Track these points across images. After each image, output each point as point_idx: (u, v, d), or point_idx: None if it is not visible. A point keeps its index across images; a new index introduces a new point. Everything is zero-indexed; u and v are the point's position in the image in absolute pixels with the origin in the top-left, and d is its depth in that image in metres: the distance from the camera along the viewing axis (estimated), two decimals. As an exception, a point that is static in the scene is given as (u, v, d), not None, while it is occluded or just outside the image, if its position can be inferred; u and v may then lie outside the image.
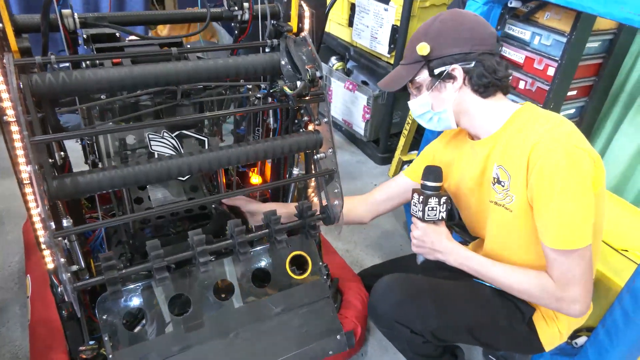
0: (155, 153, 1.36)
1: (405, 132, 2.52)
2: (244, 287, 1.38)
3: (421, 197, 1.22)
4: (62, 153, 1.30)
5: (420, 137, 3.15)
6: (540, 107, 1.19)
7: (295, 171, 1.54)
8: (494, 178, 1.17)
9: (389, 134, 2.84)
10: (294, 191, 1.63)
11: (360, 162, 2.91)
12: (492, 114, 1.19)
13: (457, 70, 1.14)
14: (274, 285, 1.43)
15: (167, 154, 1.37)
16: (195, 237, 1.19)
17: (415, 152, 2.71)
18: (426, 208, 1.21)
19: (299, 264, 1.53)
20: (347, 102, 2.98)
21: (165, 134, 1.35)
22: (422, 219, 1.23)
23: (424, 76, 1.19)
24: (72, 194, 1.05)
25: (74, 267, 1.23)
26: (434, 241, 1.24)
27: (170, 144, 1.37)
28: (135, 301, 1.25)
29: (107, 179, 1.08)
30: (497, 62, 1.14)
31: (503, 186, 1.14)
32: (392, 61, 2.61)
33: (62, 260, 1.02)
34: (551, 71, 1.69)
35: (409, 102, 1.28)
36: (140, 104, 1.37)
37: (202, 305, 1.31)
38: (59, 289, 1.12)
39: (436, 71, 1.16)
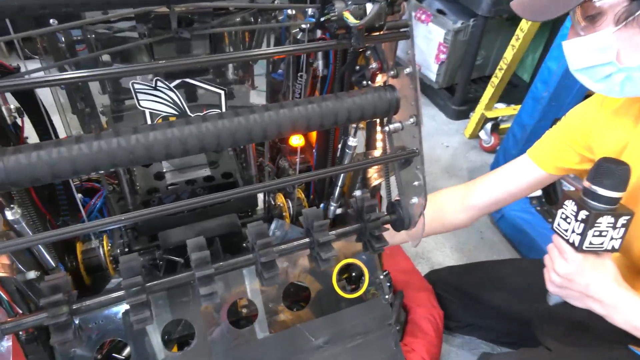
0: (146, 112, 0.91)
1: (495, 79, 1.93)
2: (272, 310, 0.98)
3: (583, 211, 0.71)
4: (11, 106, 0.90)
5: (512, 88, 2.49)
6: None
7: (352, 142, 1.06)
8: None
9: (469, 80, 2.25)
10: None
11: (428, 116, 2.37)
12: None
13: None
14: (314, 307, 1.02)
15: (163, 114, 0.92)
16: (194, 256, 0.76)
17: (503, 105, 2.12)
18: (590, 232, 0.72)
19: (350, 275, 1.09)
20: (417, 38, 2.37)
21: (159, 84, 0.89)
22: (578, 247, 0.74)
23: None
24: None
25: (31, 274, 0.87)
26: (590, 284, 0.75)
27: (169, 99, 0.92)
28: (112, 331, 0.87)
29: (54, 163, 0.65)
30: None
31: None
32: (484, -17, 1.96)
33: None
34: None
35: (565, 43, 0.75)
36: (118, 36, 0.91)
37: (211, 335, 0.92)
38: None
39: None
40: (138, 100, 0.89)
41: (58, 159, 0.66)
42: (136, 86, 0.87)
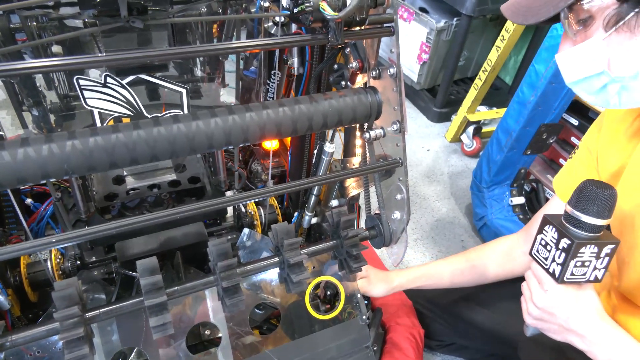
0: (94, 112, 0.80)
1: (478, 81, 1.86)
2: (237, 334, 0.88)
3: (565, 239, 0.65)
4: None
5: (494, 90, 2.42)
6: None
7: (329, 148, 0.97)
8: None
9: (452, 81, 2.18)
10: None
11: (408, 118, 2.29)
12: None
13: None
14: (285, 330, 0.92)
15: (115, 115, 0.82)
16: (144, 281, 0.66)
17: (485, 108, 2.06)
18: (572, 262, 0.65)
19: (324, 294, 1.01)
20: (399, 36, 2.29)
21: (109, 80, 0.78)
22: (559, 278, 0.67)
23: None
24: None
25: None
26: (571, 317, 0.69)
27: (122, 98, 0.81)
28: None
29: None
30: None
31: None
32: (468, -19, 1.90)
33: None
34: None
35: (558, 57, 0.69)
36: (69, 26, 0.80)
37: (167, 364, 0.82)
38: None
39: None
40: (84, 98, 0.78)
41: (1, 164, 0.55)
42: (81, 82, 0.76)
